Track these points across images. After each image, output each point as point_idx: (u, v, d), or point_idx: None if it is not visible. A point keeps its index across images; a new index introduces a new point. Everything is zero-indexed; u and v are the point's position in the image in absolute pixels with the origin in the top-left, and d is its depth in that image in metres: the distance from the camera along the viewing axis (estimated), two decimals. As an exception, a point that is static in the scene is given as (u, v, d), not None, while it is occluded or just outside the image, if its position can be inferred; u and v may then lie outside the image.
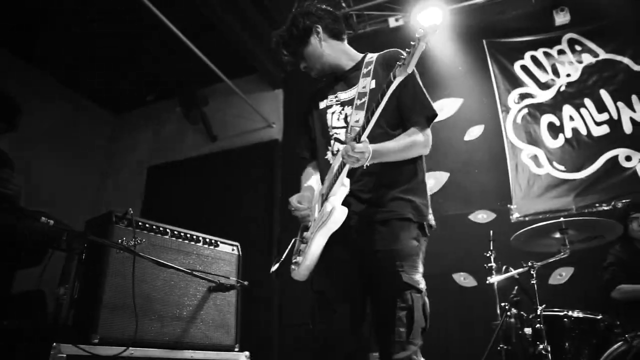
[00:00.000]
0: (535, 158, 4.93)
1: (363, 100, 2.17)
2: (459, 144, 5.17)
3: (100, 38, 6.00)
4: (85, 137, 6.99)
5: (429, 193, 2.25)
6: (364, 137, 1.92)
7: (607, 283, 3.70)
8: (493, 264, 3.67)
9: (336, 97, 2.36)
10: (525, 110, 5.14)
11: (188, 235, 3.03)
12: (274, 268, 2.47)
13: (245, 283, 2.92)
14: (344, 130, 2.25)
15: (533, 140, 4.99)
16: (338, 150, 2.21)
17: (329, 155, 2.28)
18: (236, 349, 2.99)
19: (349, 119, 2.22)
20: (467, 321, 4.35)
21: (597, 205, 4.54)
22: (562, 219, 3.18)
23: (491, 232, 3.89)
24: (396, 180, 2.14)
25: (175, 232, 2.96)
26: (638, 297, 3.48)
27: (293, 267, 2.21)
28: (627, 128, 4.73)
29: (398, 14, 5.81)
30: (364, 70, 2.30)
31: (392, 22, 5.90)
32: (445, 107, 5.36)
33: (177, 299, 2.83)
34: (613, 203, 4.44)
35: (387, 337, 1.95)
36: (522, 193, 4.84)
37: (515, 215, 4.75)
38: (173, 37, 4.85)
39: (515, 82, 5.27)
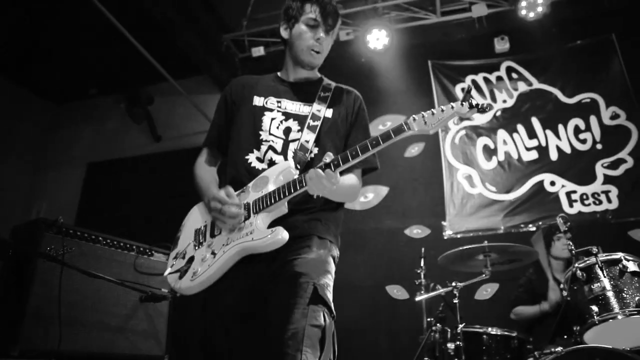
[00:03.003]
0: (469, 178, 5.19)
1: (316, 123, 2.09)
2: (399, 160, 5.36)
3: (41, 30, 5.79)
4: (21, 129, 6.70)
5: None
6: (337, 171, 1.79)
7: (511, 303, 3.99)
8: (422, 281, 3.84)
9: (280, 103, 2.18)
10: (463, 132, 5.40)
11: (122, 244, 3.01)
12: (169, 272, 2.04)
13: (178, 294, 2.92)
14: (282, 141, 2.09)
15: (468, 160, 5.26)
16: (272, 161, 2.05)
17: (251, 158, 2.08)
18: (165, 359, 2.99)
19: (291, 134, 2.09)
20: (397, 333, 4.52)
21: (522, 225, 4.84)
22: (485, 242, 3.38)
23: (422, 249, 4.06)
24: (321, 209, 2.04)
25: (108, 241, 2.92)
26: (528, 318, 3.78)
27: (185, 275, 1.92)
28: (554, 155, 5.08)
29: (349, 28, 5.94)
30: (321, 94, 2.19)
31: (342, 36, 6.02)
32: (389, 123, 5.54)
33: (107, 309, 2.81)
34: (538, 224, 4.74)
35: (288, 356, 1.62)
36: (456, 211, 5.08)
37: (447, 232, 4.98)
38: (118, 33, 4.77)
39: (456, 104, 5.51)
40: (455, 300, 3.35)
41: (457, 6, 5.69)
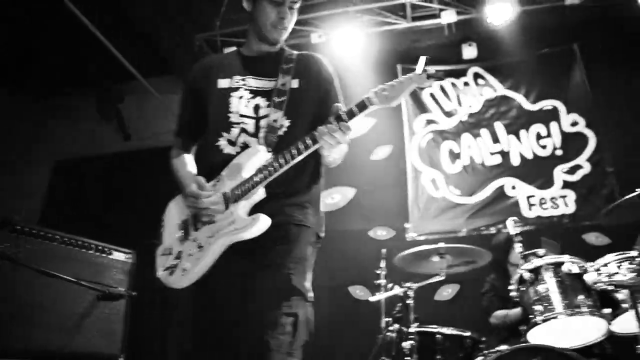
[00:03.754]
0: (434, 181, 5.31)
1: (282, 99, 2.06)
2: (365, 162, 5.44)
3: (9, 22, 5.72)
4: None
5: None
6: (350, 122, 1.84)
7: (485, 309, 4.07)
8: (382, 281, 3.91)
9: (244, 80, 2.13)
10: (430, 136, 5.52)
11: (79, 242, 3.01)
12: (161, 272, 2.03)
13: (134, 293, 2.95)
14: (253, 121, 2.05)
15: (434, 164, 5.37)
16: (245, 144, 2.02)
17: (222, 143, 2.04)
18: (121, 359, 3.01)
19: (260, 111, 2.06)
20: (357, 332, 4.58)
21: (483, 228, 4.96)
22: (441, 244, 3.48)
23: (383, 250, 4.12)
24: (297, 190, 2.05)
25: (65, 239, 2.93)
26: (510, 320, 3.86)
27: (175, 271, 1.95)
28: (515, 160, 5.23)
29: (321, 30, 6.00)
30: (284, 66, 2.14)
31: (314, 38, 6.07)
32: (357, 126, 5.61)
33: (62, 308, 2.81)
34: (499, 227, 4.86)
35: (263, 344, 1.72)
36: (420, 213, 5.18)
37: (410, 234, 5.08)
38: (89, 31, 4.76)
39: (423, 108, 5.64)
40: (409, 301, 3.43)
41: (427, 12, 5.79)
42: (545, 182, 5.08)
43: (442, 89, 5.69)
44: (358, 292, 4.90)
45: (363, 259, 4.86)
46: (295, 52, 2.25)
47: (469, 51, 5.77)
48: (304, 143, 1.89)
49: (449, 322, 3.55)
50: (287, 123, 2.07)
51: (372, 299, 3.72)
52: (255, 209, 1.92)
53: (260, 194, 1.93)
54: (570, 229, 4.82)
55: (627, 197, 3.08)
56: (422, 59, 1.90)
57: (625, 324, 2.82)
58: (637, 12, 5.06)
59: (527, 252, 3.05)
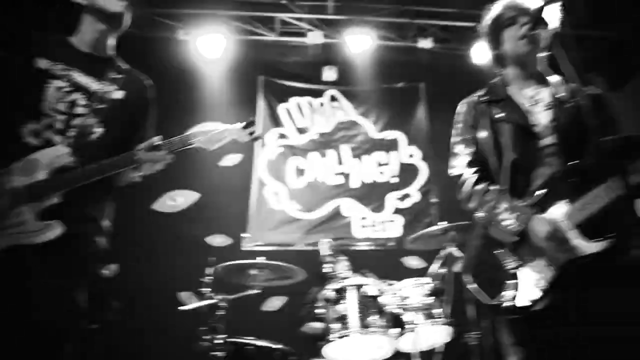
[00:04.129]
0: (277, 194, 5.42)
1: (103, 106, 1.99)
2: (213, 168, 5.38)
3: None
4: None
5: None
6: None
7: (306, 319, 4.23)
8: (206, 289, 3.88)
9: (68, 71, 1.98)
10: (280, 150, 5.63)
11: None
12: None
13: None
14: (64, 118, 1.92)
15: (279, 177, 5.49)
16: (49, 141, 1.89)
17: (25, 131, 1.88)
18: None
19: (76, 110, 1.95)
20: (180, 339, 4.49)
21: (317, 244, 5.15)
22: (259, 259, 3.55)
23: (214, 258, 4.10)
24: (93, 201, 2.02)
25: None
26: (312, 334, 4.05)
27: None
28: (355, 183, 5.55)
29: (188, 28, 5.86)
30: (114, 74, 2.07)
31: (180, 35, 5.91)
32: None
33: None
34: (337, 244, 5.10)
35: None
36: (259, 224, 5.25)
37: (247, 244, 5.11)
38: None
39: (277, 122, 5.75)
40: (222, 312, 3.46)
41: (295, 29, 5.96)
42: (379, 206, 5.47)
43: (299, 106, 5.86)
44: (186, 299, 4.81)
45: (197, 265, 4.80)
46: (127, 66, 2.19)
47: (329, 74, 6.04)
48: (117, 163, 1.90)
49: (271, 334, 3.64)
50: (100, 131, 1.99)
51: (183, 307, 3.68)
52: (48, 214, 1.81)
53: (54, 200, 1.82)
54: (394, 252, 5.23)
55: (430, 229, 3.45)
56: (250, 121, 2.10)
57: (409, 342, 3.12)
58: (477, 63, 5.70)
59: (333, 273, 3.24)
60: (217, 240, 5.11)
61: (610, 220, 1.66)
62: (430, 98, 6.07)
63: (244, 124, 2.04)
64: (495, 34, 2.16)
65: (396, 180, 5.62)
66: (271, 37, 5.92)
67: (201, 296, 3.90)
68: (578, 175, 1.85)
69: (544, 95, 2.07)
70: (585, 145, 1.92)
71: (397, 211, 5.47)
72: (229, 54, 5.68)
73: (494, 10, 2.18)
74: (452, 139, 2.23)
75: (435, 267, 3.54)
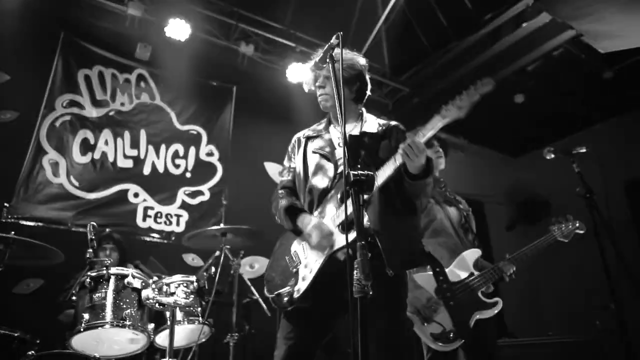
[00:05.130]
0: (55, 165, 4.88)
1: None
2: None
3: None
4: None
5: None
6: None
7: (61, 306, 3.87)
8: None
9: None
10: (68, 117, 5.09)
11: None
12: None
13: None
14: None
15: (62, 148, 4.95)
16: None
17: None
18: None
19: None
20: None
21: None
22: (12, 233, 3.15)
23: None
24: None
25: None
26: (62, 322, 3.76)
27: None
28: (147, 170, 5.34)
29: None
30: None
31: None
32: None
33: None
34: (106, 230, 4.79)
35: None
36: (27, 195, 4.67)
37: (8, 215, 4.48)
38: None
39: (73, 88, 5.20)
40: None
41: (115, -5, 5.50)
42: (168, 198, 5.34)
43: (101, 76, 5.41)
44: None
45: None
46: None
47: (143, 52, 5.71)
48: None
49: (21, 319, 3.24)
50: None
51: None
52: None
53: None
54: (174, 246, 5.14)
55: (206, 229, 3.50)
56: None
57: (165, 339, 3.10)
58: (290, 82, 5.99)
59: (94, 259, 3.06)
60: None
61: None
62: (238, 102, 6.19)
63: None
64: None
65: (189, 175, 5.57)
66: (77, -4, 5.38)
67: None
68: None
69: (355, 131, 2.38)
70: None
71: (185, 206, 5.42)
72: (26, 5, 4.96)
73: (309, 74, 2.49)
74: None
75: (205, 267, 3.60)
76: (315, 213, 2.26)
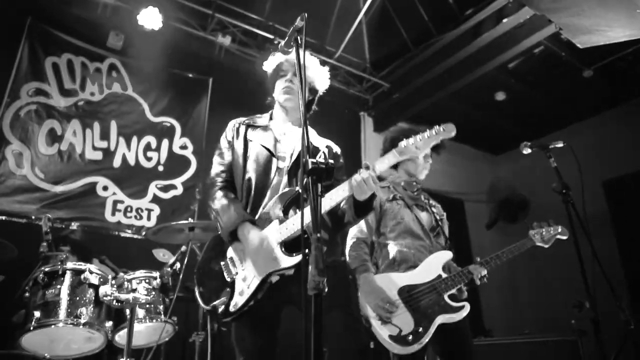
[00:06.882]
0: (19, 156, 4.67)
1: None
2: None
3: None
4: None
5: None
6: None
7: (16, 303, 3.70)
8: None
9: None
10: (34, 107, 4.87)
11: None
12: None
13: None
14: None
15: (27, 138, 4.74)
16: None
17: None
18: None
19: None
20: None
21: (57, 221, 4.60)
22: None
23: None
24: None
25: None
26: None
27: None
28: (117, 162, 5.14)
29: None
30: None
31: None
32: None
33: None
34: (77, 224, 4.62)
35: None
36: (-10, 187, 4.46)
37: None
38: None
39: (39, 76, 4.98)
40: None
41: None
42: (138, 192, 5.16)
43: (70, 64, 5.20)
44: None
45: None
46: None
47: (115, 40, 5.51)
48: None
49: None
50: None
51: None
52: None
53: None
54: (144, 241, 4.96)
55: (172, 223, 3.36)
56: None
57: (124, 338, 2.95)
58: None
59: (50, 253, 2.90)
60: None
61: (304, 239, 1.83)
62: (214, 95, 6.03)
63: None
64: (272, 82, 2.51)
65: (162, 168, 5.40)
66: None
67: None
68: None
69: (296, 135, 2.35)
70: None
71: (157, 200, 5.24)
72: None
73: (275, 60, 2.50)
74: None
75: (170, 263, 3.46)
76: (257, 215, 2.17)
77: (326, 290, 1.43)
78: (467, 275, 2.70)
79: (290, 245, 2.02)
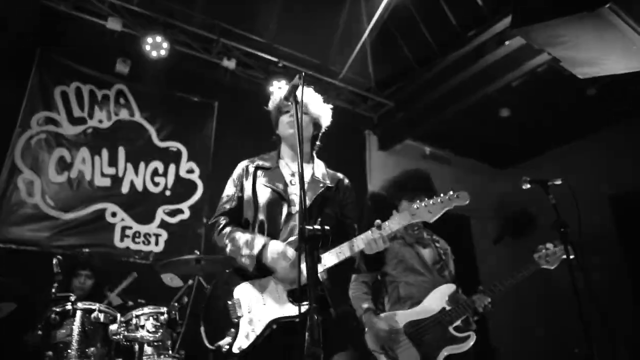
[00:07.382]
0: (30, 185, 4.77)
1: None
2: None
3: None
4: None
5: None
6: None
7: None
8: None
9: None
10: (44, 136, 4.97)
11: None
12: None
13: None
14: None
15: (37, 167, 4.84)
16: None
17: None
18: None
19: None
20: None
21: (67, 248, 4.68)
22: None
23: None
24: None
25: None
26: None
27: None
28: (125, 188, 5.23)
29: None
30: None
31: None
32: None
33: None
34: (78, 251, 4.69)
35: None
36: (1, 216, 4.56)
37: (-20, 237, 4.38)
38: None
39: (49, 105, 5.09)
40: None
41: (95, 9, 5.43)
42: (146, 217, 5.24)
43: (79, 92, 5.30)
44: None
45: None
46: None
47: (122, 67, 5.60)
48: None
49: None
50: None
51: None
52: None
53: None
54: (152, 266, 5.04)
55: (181, 257, 3.41)
56: None
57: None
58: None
59: (61, 295, 2.98)
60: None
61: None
62: (220, 118, 6.11)
63: None
64: (275, 119, 2.48)
65: (169, 193, 5.47)
66: (61, 7, 5.29)
67: None
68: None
69: (306, 172, 2.34)
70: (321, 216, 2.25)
71: (164, 225, 5.32)
72: (6, 13, 4.86)
73: (276, 97, 2.50)
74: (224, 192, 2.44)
75: (177, 297, 3.52)
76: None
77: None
78: (470, 305, 2.74)
79: (295, 293, 2.09)
